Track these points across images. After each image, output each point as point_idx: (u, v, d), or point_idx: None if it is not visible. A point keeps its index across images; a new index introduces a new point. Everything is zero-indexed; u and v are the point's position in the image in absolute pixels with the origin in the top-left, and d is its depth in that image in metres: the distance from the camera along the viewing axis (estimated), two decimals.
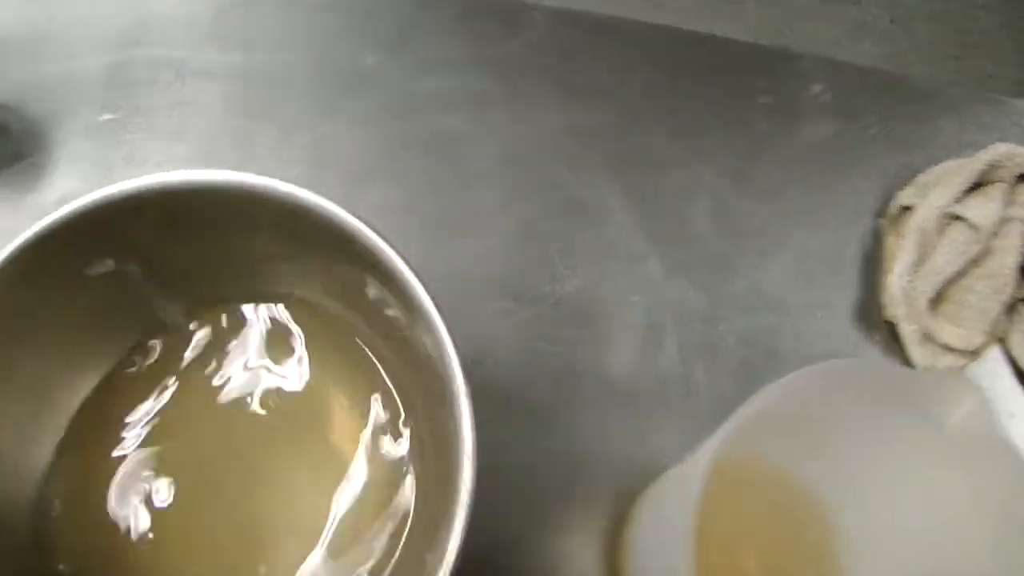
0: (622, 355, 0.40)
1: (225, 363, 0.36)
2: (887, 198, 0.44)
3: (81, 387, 0.35)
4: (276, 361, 0.36)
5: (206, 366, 0.36)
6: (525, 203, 0.43)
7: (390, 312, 0.31)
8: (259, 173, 0.44)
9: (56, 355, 0.33)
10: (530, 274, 0.41)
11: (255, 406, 0.35)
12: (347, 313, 0.35)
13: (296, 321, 0.36)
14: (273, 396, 0.35)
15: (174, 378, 0.35)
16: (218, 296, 0.36)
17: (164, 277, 0.33)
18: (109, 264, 0.31)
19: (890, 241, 0.43)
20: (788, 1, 0.49)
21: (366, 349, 0.35)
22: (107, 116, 0.45)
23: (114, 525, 0.33)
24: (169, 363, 0.36)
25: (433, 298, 0.28)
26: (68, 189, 0.44)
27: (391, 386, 0.35)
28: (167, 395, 0.35)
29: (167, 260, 0.33)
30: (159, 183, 0.29)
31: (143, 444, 0.34)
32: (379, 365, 0.35)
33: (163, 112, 0.45)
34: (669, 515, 0.32)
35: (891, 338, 0.42)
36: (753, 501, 0.33)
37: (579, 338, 0.40)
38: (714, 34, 0.47)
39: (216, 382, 0.35)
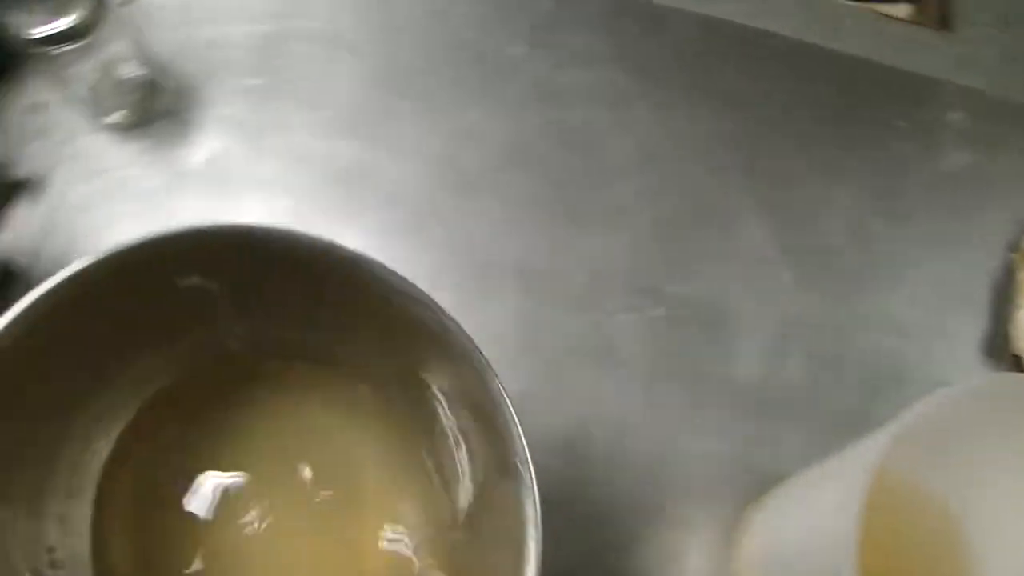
0: (748, 360, 0.40)
1: (269, 414, 0.35)
2: (1021, 232, 0.44)
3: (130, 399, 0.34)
4: (325, 429, 0.35)
5: (255, 413, 0.35)
6: (659, 202, 0.43)
7: (472, 447, 0.30)
8: (398, 150, 0.45)
9: (130, 354, 0.33)
10: (660, 272, 0.42)
11: (297, 467, 0.34)
12: (415, 419, 0.33)
13: (356, 395, 0.35)
14: (316, 463, 0.34)
15: (221, 414, 0.35)
16: (294, 348, 0.35)
17: (245, 310, 0.33)
18: (196, 280, 0.31)
19: (1022, 276, 0.43)
20: (886, 28, 0.49)
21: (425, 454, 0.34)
22: (255, 81, 0.46)
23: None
24: (221, 394, 0.35)
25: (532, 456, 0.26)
26: (214, 149, 0.45)
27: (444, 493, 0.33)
28: (209, 431, 0.34)
29: (252, 295, 0.32)
30: (248, 227, 0.28)
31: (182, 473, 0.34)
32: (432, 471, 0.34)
33: (309, 81, 0.46)
34: (802, 524, 0.32)
35: (1016, 372, 0.42)
36: (890, 516, 0.33)
37: (706, 340, 0.41)
38: (857, 55, 0.47)
39: (260, 432, 0.35)
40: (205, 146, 0.45)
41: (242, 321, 0.33)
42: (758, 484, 0.38)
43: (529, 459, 0.26)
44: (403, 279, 0.27)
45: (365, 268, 0.27)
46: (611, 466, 0.39)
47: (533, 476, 0.26)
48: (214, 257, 0.30)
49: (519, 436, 0.26)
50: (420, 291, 0.27)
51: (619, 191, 0.43)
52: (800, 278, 0.42)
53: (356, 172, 0.44)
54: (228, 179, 0.44)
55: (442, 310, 0.27)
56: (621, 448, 0.39)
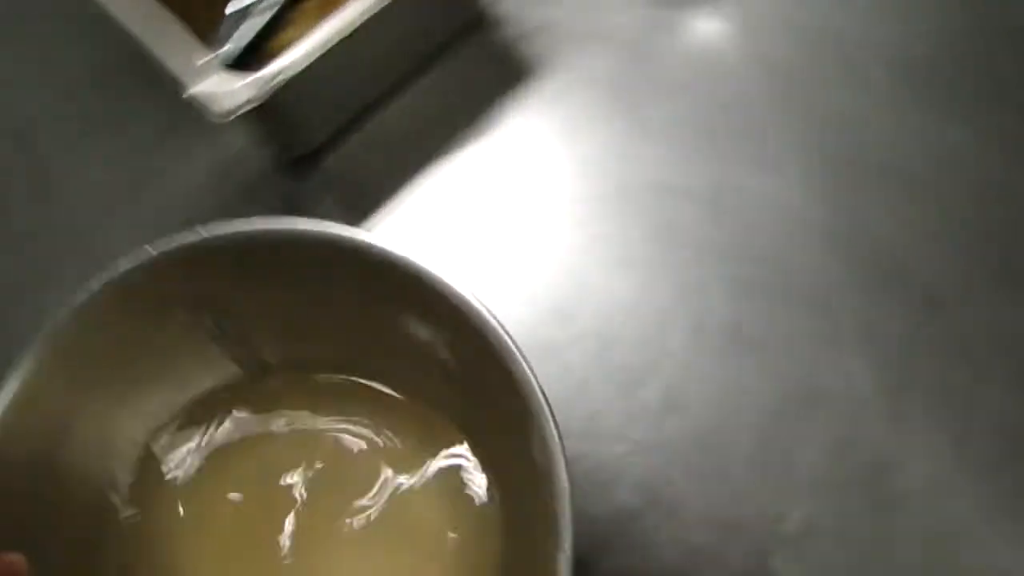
0: None
1: (286, 431, 0.34)
2: None
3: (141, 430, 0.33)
4: (346, 440, 0.33)
5: (271, 431, 0.34)
6: None
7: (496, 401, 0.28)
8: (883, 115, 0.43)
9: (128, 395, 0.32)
10: None
11: (311, 479, 0.33)
12: (438, 394, 0.33)
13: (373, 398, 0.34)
14: (333, 474, 0.33)
15: (240, 436, 0.33)
16: (300, 360, 0.34)
17: (245, 331, 0.32)
18: (188, 311, 0.30)
19: None
20: None
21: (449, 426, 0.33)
22: None
23: None
24: (237, 420, 0.34)
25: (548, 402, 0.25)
26: (714, 29, 0.45)
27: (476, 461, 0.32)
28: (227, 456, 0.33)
29: (250, 313, 0.31)
30: (234, 232, 0.28)
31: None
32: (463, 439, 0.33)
33: None
34: None
35: None
36: None
37: None
38: None
39: (277, 449, 0.33)
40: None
41: (247, 329, 0.32)
42: None
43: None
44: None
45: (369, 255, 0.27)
46: (890, 513, 0.36)
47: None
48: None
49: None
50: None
51: None
52: None
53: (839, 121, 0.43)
54: (719, 59, 0.45)
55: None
56: (905, 501, 0.36)
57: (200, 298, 0.30)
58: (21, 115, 0.44)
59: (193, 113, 0.34)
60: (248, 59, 0.38)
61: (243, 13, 0.37)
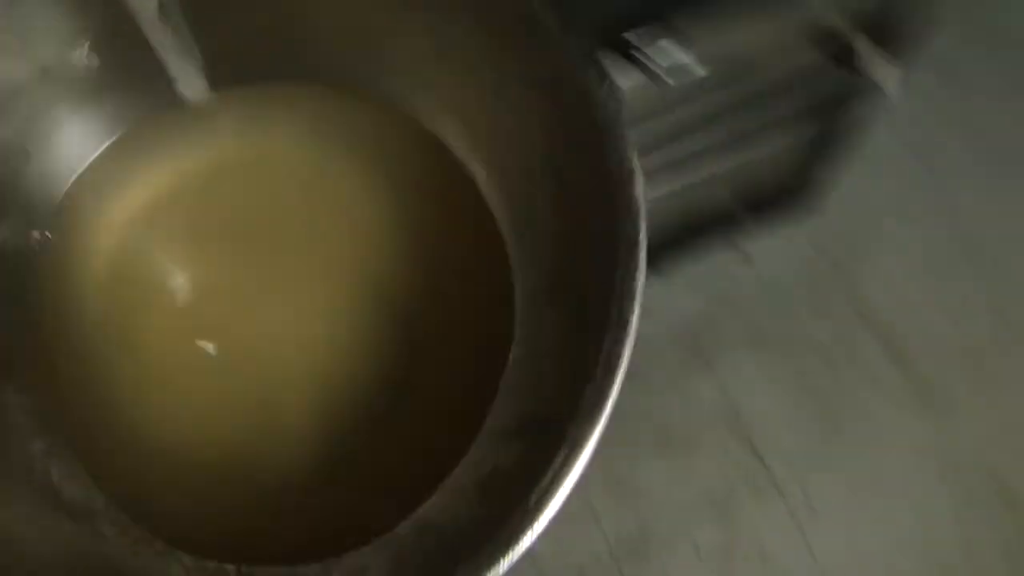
0: None
1: (248, 152, 0.30)
2: None
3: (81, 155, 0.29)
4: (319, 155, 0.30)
5: (226, 155, 0.30)
6: None
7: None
8: None
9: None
10: None
11: (282, 199, 0.30)
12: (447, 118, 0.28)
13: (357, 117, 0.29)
14: (306, 192, 0.30)
15: (190, 164, 0.30)
16: (261, 71, 0.29)
17: (199, 36, 0.27)
18: None
19: None
20: None
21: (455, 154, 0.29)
22: None
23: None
24: (185, 145, 0.30)
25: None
26: None
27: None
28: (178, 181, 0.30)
29: (207, 14, 0.26)
30: None
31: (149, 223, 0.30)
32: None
33: None
34: None
35: None
36: None
37: None
38: None
39: (237, 173, 0.30)
40: None
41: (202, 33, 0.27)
42: None
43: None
44: None
45: None
46: None
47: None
48: None
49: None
50: None
51: None
52: None
53: None
54: None
55: None
56: None
57: None
58: None
59: None
60: None
61: None
